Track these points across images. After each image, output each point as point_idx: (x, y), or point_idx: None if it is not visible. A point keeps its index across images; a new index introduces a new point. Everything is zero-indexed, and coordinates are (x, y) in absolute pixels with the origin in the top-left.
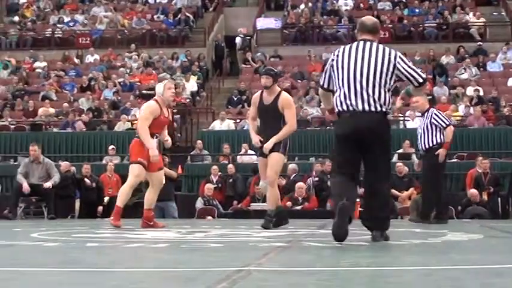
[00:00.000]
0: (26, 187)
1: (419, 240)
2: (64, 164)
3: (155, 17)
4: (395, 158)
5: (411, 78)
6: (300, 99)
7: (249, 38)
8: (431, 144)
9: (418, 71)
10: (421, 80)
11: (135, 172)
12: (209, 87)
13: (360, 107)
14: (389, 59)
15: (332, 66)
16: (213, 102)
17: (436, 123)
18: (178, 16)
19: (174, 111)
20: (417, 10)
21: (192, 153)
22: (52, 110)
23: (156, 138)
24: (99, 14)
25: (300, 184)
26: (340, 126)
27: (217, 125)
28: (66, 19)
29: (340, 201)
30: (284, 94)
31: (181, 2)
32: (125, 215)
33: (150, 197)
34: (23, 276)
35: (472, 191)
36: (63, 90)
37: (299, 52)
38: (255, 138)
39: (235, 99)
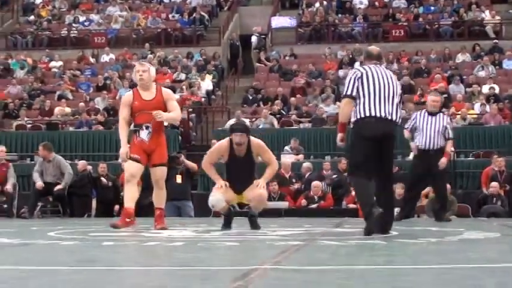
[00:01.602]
0: (40, 184)
1: (436, 238)
2: (80, 163)
3: (170, 16)
4: (411, 156)
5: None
6: (315, 97)
7: (264, 36)
8: (441, 146)
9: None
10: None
11: (126, 168)
12: (224, 86)
13: (384, 114)
14: (397, 82)
15: (361, 78)
16: (228, 101)
17: (447, 130)
18: (193, 15)
19: (190, 110)
20: (432, 8)
21: (207, 152)
22: (68, 109)
23: (147, 128)
24: (114, 13)
25: (316, 183)
26: (366, 129)
27: None
28: (82, 19)
29: (377, 211)
30: (254, 141)
31: (196, 1)
32: (141, 214)
33: (154, 195)
34: (40, 274)
35: (493, 183)
36: (78, 90)
37: (314, 50)
38: (221, 182)
39: (251, 98)
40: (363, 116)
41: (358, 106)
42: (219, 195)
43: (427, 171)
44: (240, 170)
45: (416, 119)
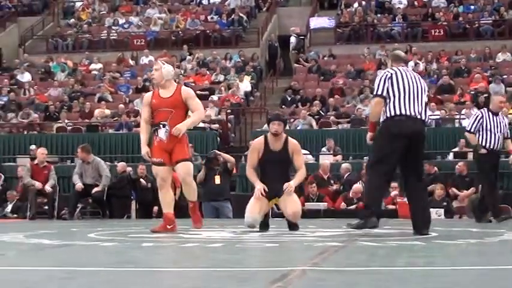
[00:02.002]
0: (79, 186)
1: (476, 239)
2: (120, 165)
3: (209, 17)
4: (451, 156)
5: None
6: (354, 98)
7: (302, 37)
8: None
9: None
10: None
11: (155, 174)
12: (263, 87)
13: (414, 113)
14: (424, 83)
15: (391, 78)
16: (266, 102)
17: (507, 129)
18: (232, 16)
19: (228, 111)
20: (472, 7)
21: (246, 153)
22: (108, 111)
23: (164, 126)
24: (154, 15)
25: (356, 187)
26: (396, 127)
27: None
28: (121, 21)
29: (373, 222)
30: (292, 140)
31: (235, 3)
32: (180, 215)
33: (184, 191)
34: (80, 275)
35: None
36: (118, 92)
37: (353, 51)
38: (260, 185)
39: (289, 98)
40: (393, 114)
41: (388, 105)
42: (254, 216)
43: (493, 170)
44: (275, 166)
45: (484, 119)
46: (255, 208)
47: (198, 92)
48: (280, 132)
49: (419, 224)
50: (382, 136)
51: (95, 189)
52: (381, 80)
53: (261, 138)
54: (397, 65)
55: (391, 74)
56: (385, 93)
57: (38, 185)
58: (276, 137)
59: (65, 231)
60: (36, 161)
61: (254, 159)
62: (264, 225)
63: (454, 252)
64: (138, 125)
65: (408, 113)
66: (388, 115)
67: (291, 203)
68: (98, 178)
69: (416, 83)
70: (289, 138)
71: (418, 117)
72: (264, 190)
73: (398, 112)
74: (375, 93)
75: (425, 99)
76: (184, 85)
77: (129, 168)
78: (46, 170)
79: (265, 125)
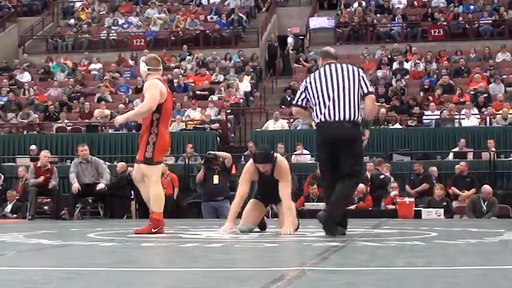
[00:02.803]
0: (75, 187)
1: (476, 239)
2: (120, 165)
3: (208, 17)
4: (451, 156)
5: (365, 86)
6: None
7: (302, 37)
8: None
9: (370, 85)
10: (369, 90)
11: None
12: (262, 87)
13: (337, 118)
14: (355, 72)
15: (307, 88)
16: (266, 102)
17: None
18: (232, 16)
19: (228, 111)
20: (472, 7)
21: (245, 153)
22: (107, 112)
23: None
24: (153, 15)
25: (360, 186)
26: (319, 135)
27: (270, 125)
28: (121, 21)
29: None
30: (278, 166)
31: (235, 3)
32: (180, 215)
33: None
34: (80, 275)
35: None
36: (118, 92)
37: (352, 51)
38: (229, 225)
39: (289, 99)
40: (317, 121)
41: (314, 112)
42: (248, 225)
43: None
44: (270, 186)
45: None
46: (249, 217)
47: (197, 92)
48: (267, 170)
49: (325, 216)
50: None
51: (99, 187)
52: (300, 90)
53: (252, 167)
54: (326, 62)
55: (310, 81)
56: (303, 103)
57: (42, 179)
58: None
59: (65, 232)
60: (39, 164)
61: (245, 190)
62: (262, 226)
63: (454, 252)
64: (138, 125)
65: (330, 119)
66: (315, 123)
67: (287, 223)
68: (98, 177)
69: (343, 82)
70: (277, 163)
71: (342, 119)
72: (261, 192)
73: (322, 119)
74: (294, 102)
75: (355, 97)
76: (184, 85)
77: (130, 168)
78: (49, 173)
79: (265, 125)
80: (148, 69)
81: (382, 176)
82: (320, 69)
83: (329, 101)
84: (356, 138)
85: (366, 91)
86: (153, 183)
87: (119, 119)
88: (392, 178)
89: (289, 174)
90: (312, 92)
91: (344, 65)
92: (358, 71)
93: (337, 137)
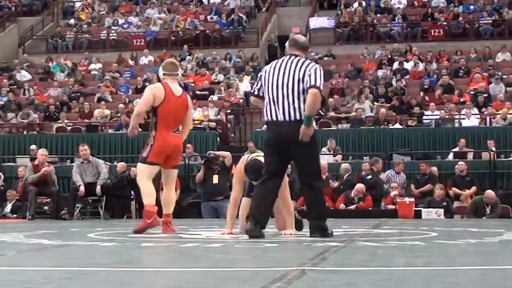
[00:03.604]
0: (82, 191)
1: (476, 239)
2: (120, 165)
3: (208, 17)
4: (451, 156)
5: (310, 80)
6: (353, 98)
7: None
8: None
9: (320, 81)
10: (312, 83)
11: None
12: None
13: (276, 117)
14: (305, 67)
15: (261, 77)
16: None
17: None
18: (232, 16)
19: (228, 111)
20: (472, 7)
21: (245, 153)
22: (107, 112)
23: None
24: (153, 15)
25: (360, 186)
26: (267, 132)
27: None
28: (121, 21)
29: (253, 226)
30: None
31: (235, 3)
32: (180, 215)
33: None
34: (80, 275)
35: None
36: (118, 92)
37: (352, 51)
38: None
39: None
40: (265, 120)
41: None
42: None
43: None
44: None
45: None
46: (246, 220)
47: (197, 92)
48: None
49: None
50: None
51: (98, 188)
52: (258, 77)
53: (244, 166)
54: (290, 52)
55: (265, 71)
56: (259, 93)
57: (45, 170)
58: None
59: (65, 232)
60: (36, 162)
61: (239, 191)
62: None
63: (454, 252)
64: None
65: (271, 118)
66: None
67: (288, 224)
68: (98, 176)
69: (288, 79)
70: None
71: (282, 120)
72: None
73: (266, 118)
74: (251, 90)
75: (297, 95)
76: (184, 85)
77: (133, 169)
78: (46, 171)
79: (265, 126)
80: (164, 73)
81: (369, 177)
82: (278, 60)
83: (271, 98)
84: (304, 139)
85: (308, 85)
86: (140, 179)
87: (129, 131)
88: (392, 178)
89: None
90: (263, 83)
91: (296, 60)
92: (308, 66)
93: (281, 138)
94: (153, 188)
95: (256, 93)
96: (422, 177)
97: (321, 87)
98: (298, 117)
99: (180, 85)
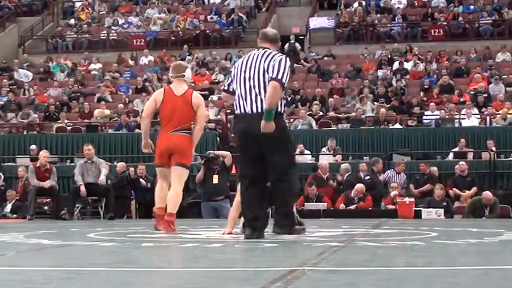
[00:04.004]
0: (83, 191)
1: (476, 239)
2: (120, 165)
3: (208, 17)
4: (451, 156)
5: (273, 72)
6: (353, 98)
7: (302, 37)
8: None
9: (285, 75)
10: (273, 76)
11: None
12: None
13: (245, 110)
14: (270, 58)
15: (231, 73)
16: None
17: None
18: (232, 16)
19: (228, 111)
20: (472, 7)
21: None
22: (107, 112)
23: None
24: (153, 15)
25: (360, 186)
26: (237, 127)
27: None
28: (121, 21)
29: (248, 229)
30: None
31: (235, 3)
32: (180, 215)
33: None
34: (80, 275)
35: None
36: (118, 92)
37: (352, 51)
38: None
39: (289, 98)
40: (236, 112)
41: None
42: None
43: None
44: None
45: None
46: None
47: (197, 92)
48: None
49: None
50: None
51: (102, 180)
52: (229, 75)
53: None
54: (260, 45)
55: (235, 66)
56: (229, 88)
57: (45, 184)
58: None
59: (65, 232)
60: (38, 164)
61: None
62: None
63: (454, 252)
64: (138, 125)
65: (239, 111)
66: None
67: None
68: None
69: (255, 72)
70: None
71: (249, 112)
72: None
73: (236, 111)
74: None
75: (263, 87)
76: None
77: (131, 169)
78: (47, 172)
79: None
80: (171, 76)
81: (367, 177)
82: (247, 54)
83: (240, 92)
84: (268, 132)
85: (269, 78)
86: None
87: (142, 147)
88: (392, 178)
89: None
90: (233, 78)
91: (262, 52)
92: (274, 57)
93: (249, 131)
94: (161, 191)
95: (226, 88)
96: (421, 177)
97: (284, 80)
98: (260, 109)
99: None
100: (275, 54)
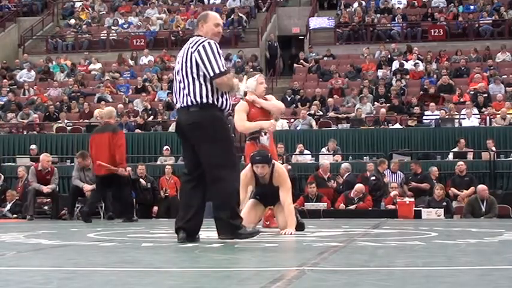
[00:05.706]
0: (87, 187)
1: (476, 239)
2: None
3: None
4: (451, 156)
5: (205, 69)
6: (354, 98)
7: (302, 37)
8: None
9: (217, 62)
10: (216, 71)
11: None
12: None
13: (179, 104)
14: (192, 49)
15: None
16: None
17: None
18: (232, 17)
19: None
20: (472, 7)
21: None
22: None
23: (265, 134)
24: (153, 15)
25: (359, 186)
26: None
27: None
28: (121, 21)
29: (181, 235)
30: (276, 172)
31: (235, 3)
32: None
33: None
34: (80, 275)
35: None
36: (118, 92)
37: (352, 51)
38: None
39: (289, 98)
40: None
41: None
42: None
43: None
44: (267, 194)
45: None
46: (248, 218)
47: None
48: (265, 173)
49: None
50: None
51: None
52: None
53: (249, 173)
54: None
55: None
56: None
57: (45, 190)
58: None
59: (65, 232)
60: (40, 167)
61: (242, 197)
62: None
63: (454, 252)
64: (138, 125)
65: (176, 106)
66: None
67: (289, 223)
68: None
69: (183, 62)
70: (275, 168)
71: (179, 106)
72: (260, 198)
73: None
74: None
75: (191, 77)
76: None
77: (128, 168)
78: (49, 175)
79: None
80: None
81: (373, 178)
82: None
83: (174, 84)
84: (198, 126)
85: (210, 78)
86: None
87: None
88: (390, 178)
89: (288, 179)
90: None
91: (190, 41)
92: (195, 45)
93: (179, 125)
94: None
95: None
96: (414, 178)
97: (221, 68)
98: (190, 102)
99: None
100: (197, 41)
